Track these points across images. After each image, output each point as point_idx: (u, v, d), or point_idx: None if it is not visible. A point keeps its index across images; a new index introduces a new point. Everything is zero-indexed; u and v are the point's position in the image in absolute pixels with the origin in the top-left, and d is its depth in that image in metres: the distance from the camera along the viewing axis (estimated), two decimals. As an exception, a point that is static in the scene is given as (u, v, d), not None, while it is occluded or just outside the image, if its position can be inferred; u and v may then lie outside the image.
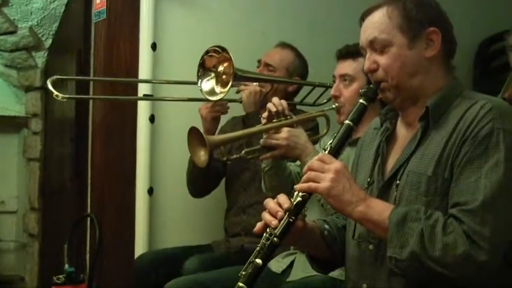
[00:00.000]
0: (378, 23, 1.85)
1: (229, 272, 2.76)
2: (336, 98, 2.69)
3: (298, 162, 2.73)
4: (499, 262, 1.63)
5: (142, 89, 3.32)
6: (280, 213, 1.78)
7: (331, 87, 2.78)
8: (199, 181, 3.24)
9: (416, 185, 1.75)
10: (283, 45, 3.26)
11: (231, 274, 2.70)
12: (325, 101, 3.24)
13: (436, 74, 1.86)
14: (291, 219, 1.78)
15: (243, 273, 1.80)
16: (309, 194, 1.80)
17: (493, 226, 1.61)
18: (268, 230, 1.79)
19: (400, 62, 1.83)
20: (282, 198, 1.82)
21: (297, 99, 3.30)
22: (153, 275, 3.02)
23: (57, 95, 2.74)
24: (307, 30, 3.76)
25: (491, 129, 1.68)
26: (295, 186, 1.82)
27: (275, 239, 1.77)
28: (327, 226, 2.03)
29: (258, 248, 1.79)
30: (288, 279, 2.67)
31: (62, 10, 4.36)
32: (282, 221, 1.78)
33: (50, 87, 2.74)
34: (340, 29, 3.72)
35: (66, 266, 3.39)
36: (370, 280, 1.84)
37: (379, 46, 1.85)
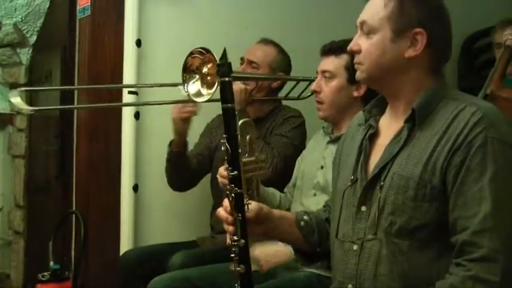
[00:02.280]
0: (374, 7, 1.84)
1: (215, 268, 2.76)
2: (316, 93, 2.70)
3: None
4: None
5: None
6: (230, 218, 1.84)
7: (314, 80, 2.80)
8: (176, 174, 3.24)
9: (404, 189, 1.74)
10: (265, 41, 3.24)
11: (217, 270, 2.72)
12: (309, 94, 3.24)
13: (417, 76, 1.83)
14: (238, 217, 1.82)
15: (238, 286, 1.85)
16: (239, 186, 1.83)
17: (504, 241, 1.62)
18: (230, 237, 1.84)
19: (379, 51, 1.81)
20: (225, 203, 1.87)
21: (281, 94, 3.31)
22: (138, 271, 3.01)
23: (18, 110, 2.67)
24: (291, 25, 3.77)
25: (485, 138, 1.67)
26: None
27: (241, 241, 1.81)
28: (305, 217, 2.04)
29: (234, 257, 1.83)
30: (272, 276, 2.68)
31: (47, 6, 4.34)
32: (235, 224, 1.83)
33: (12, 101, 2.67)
34: (325, 23, 3.75)
35: (51, 263, 3.39)
36: (356, 281, 1.82)
37: (366, 30, 1.84)
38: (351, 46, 1.88)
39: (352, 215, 1.86)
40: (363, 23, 1.85)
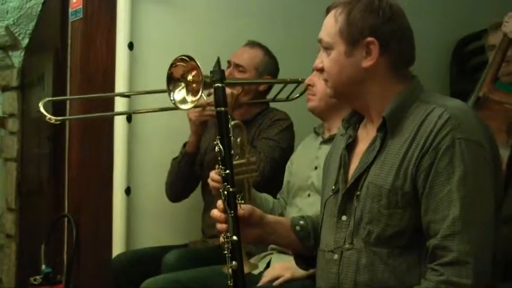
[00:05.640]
0: (327, 24, 1.87)
1: (207, 270, 2.75)
2: (309, 86, 2.72)
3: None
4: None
5: (120, 87, 3.31)
6: (223, 216, 1.87)
7: (302, 82, 2.79)
8: (182, 185, 3.25)
9: (378, 198, 1.75)
10: (252, 44, 3.24)
11: (210, 272, 2.71)
12: (297, 95, 3.25)
13: (380, 84, 1.83)
14: (230, 215, 1.85)
15: (231, 284, 1.86)
16: (232, 185, 1.87)
17: (477, 244, 1.63)
18: (223, 235, 1.87)
19: (338, 67, 1.84)
20: (219, 203, 1.90)
21: (270, 96, 3.30)
22: (130, 275, 3.00)
23: (50, 118, 2.80)
24: (284, 28, 3.77)
25: (452, 140, 1.67)
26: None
27: (233, 237, 1.84)
28: (301, 222, 2.04)
29: (227, 254, 1.86)
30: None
31: (39, 9, 4.33)
32: (228, 221, 1.86)
33: (42, 111, 2.77)
34: (319, 26, 3.75)
35: (43, 266, 3.39)
36: None
37: (324, 47, 1.87)
38: (316, 64, 1.91)
39: (333, 225, 1.88)
40: (320, 40, 1.88)
